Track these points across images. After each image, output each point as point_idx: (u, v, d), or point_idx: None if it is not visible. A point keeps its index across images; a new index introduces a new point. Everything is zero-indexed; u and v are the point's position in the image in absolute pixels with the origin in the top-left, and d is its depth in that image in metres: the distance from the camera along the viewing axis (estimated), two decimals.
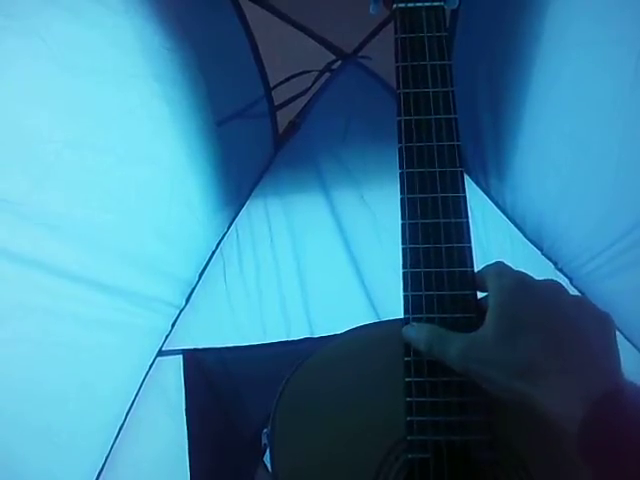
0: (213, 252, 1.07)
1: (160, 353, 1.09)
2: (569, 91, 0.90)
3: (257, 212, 1.05)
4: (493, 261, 0.52)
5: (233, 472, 1.08)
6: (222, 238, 1.07)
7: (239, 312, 1.09)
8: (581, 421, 0.37)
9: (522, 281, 0.46)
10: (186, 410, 1.06)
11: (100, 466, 1.05)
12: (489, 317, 0.45)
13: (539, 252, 1.05)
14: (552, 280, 0.47)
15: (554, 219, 1.01)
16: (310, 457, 0.52)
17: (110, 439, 1.05)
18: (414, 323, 0.50)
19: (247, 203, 1.06)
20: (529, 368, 0.41)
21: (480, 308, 0.50)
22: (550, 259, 1.04)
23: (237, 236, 1.06)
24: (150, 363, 1.08)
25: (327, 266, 1.05)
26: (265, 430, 1.07)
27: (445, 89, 0.58)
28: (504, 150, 1.01)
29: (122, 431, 1.06)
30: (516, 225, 1.06)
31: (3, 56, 0.67)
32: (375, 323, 0.58)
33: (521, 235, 1.06)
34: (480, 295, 0.51)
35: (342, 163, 1.01)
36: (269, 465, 1.28)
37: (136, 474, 1.08)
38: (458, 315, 0.51)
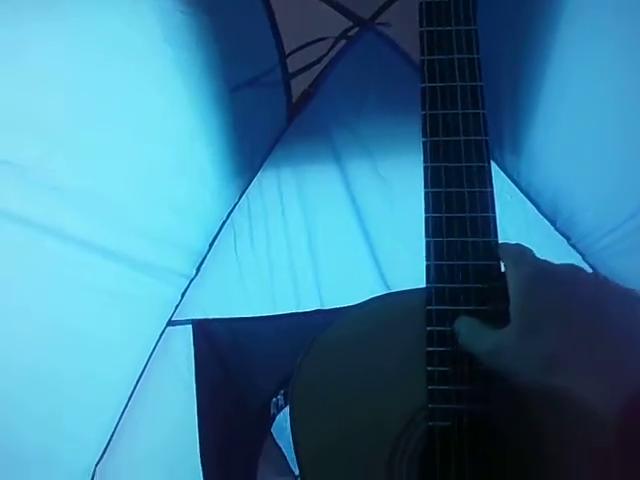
0: (224, 222, 1.06)
1: (170, 323, 1.09)
2: (588, 68, 0.89)
3: (269, 183, 1.04)
4: (513, 242, 0.52)
5: (242, 442, 1.09)
6: (233, 208, 1.06)
7: (249, 283, 1.08)
8: (619, 412, 0.36)
9: (541, 270, 0.46)
10: (196, 380, 1.07)
11: (108, 437, 1.06)
12: (512, 312, 0.44)
13: (552, 227, 1.04)
14: (571, 265, 0.47)
15: (569, 195, 1.00)
16: (331, 426, 0.52)
17: (119, 408, 1.06)
18: (461, 315, 0.49)
19: (259, 174, 1.04)
20: (556, 360, 0.41)
21: (503, 280, 0.49)
22: (563, 234, 1.03)
23: (248, 207, 1.05)
24: (160, 333, 1.08)
25: (339, 238, 1.04)
26: (274, 399, 1.08)
27: (471, 56, 0.56)
28: (521, 124, 0.99)
29: (131, 400, 1.07)
30: (530, 199, 1.05)
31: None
32: (395, 293, 0.58)
33: (535, 210, 1.05)
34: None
35: (356, 134, 1.00)
36: (276, 435, 1.29)
37: (145, 444, 1.09)
38: (481, 285, 0.51)
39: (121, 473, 1.07)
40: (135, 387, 1.06)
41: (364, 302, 0.59)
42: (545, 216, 1.05)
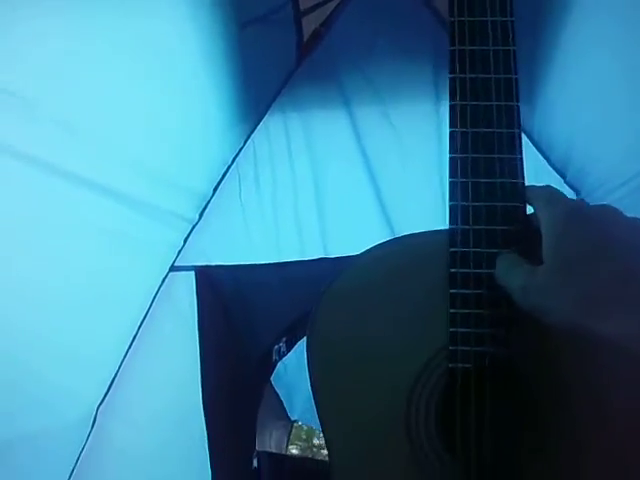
0: (229, 167, 1.04)
1: (172, 269, 1.08)
2: (607, 19, 0.86)
3: (276, 128, 1.01)
4: (542, 184, 0.50)
5: (243, 388, 1.10)
6: (238, 153, 1.03)
7: (253, 230, 1.07)
8: None
9: (576, 209, 0.44)
10: (198, 326, 1.06)
11: (109, 382, 1.06)
12: (545, 251, 0.43)
13: (562, 180, 1.03)
14: (606, 205, 0.45)
15: (581, 148, 0.98)
16: (350, 371, 0.51)
17: (121, 353, 1.06)
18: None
19: (265, 118, 1.02)
20: (590, 300, 0.40)
21: (529, 223, 0.48)
22: (573, 187, 1.02)
23: (254, 152, 1.03)
24: (162, 278, 1.07)
25: (346, 185, 1.03)
26: (276, 346, 1.08)
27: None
28: (538, 76, 0.97)
29: (133, 345, 1.06)
30: (541, 152, 1.03)
31: None
32: (410, 235, 0.56)
33: (545, 162, 1.03)
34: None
35: (368, 78, 0.96)
36: (275, 385, 1.30)
37: (146, 390, 1.09)
38: (507, 227, 0.50)
39: (123, 417, 1.07)
40: (137, 332, 1.06)
41: (377, 246, 0.57)
42: (555, 169, 1.03)
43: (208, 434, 1.05)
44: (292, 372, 1.48)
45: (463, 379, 0.48)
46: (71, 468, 1.01)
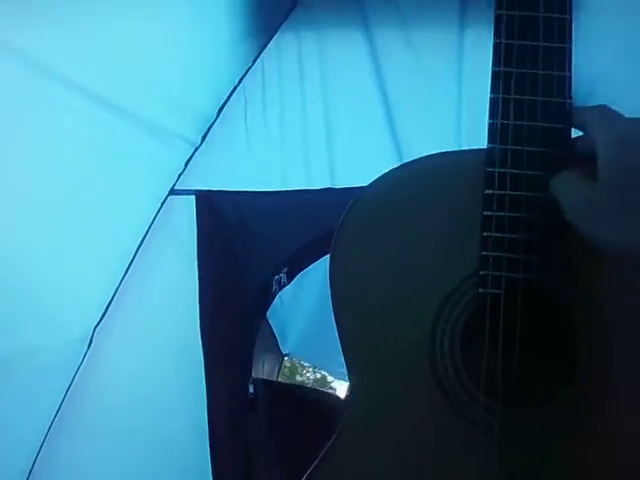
0: (235, 88, 0.98)
1: (172, 192, 1.04)
2: None
3: (287, 47, 0.95)
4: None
5: (241, 318, 1.08)
6: (245, 73, 0.98)
7: (258, 156, 1.02)
8: None
9: (634, 130, 0.42)
10: (197, 253, 1.04)
11: (107, 302, 1.04)
12: (601, 172, 0.41)
13: None
14: None
15: (605, 82, 0.94)
16: (373, 289, 0.49)
17: (119, 275, 1.03)
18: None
19: (277, 36, 0.95)
20: None
21: (573, 146, 0.45)
22: None
23: (263, 72, 0.97)
24: (162, 201, 1.04)
25: (359, 113, 0.98)
26: (277, 276, 1.06)
27: None
28: None
29: (130, 268, 1.04)
30: None
31: None
32: (444, 153, 0.53)
33: None
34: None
35: None
36: (269, 318, 1.28)
37: (143, 314, 1.07)
38: (548, 149, 0.47)
39: (119, 339, 1.06)
40: (135, 255, 1.03)
41: (404, 164, 0.54)
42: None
43: (205, 361, 1.04)
44: (288, 305, 1.47)
45: (492, 306, 0.46)
46: (67, 385, 1.00)
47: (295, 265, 1.05)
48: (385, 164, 0.99)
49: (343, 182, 1.01)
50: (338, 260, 0.50)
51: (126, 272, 1.03)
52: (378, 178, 0.52)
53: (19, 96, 0.74)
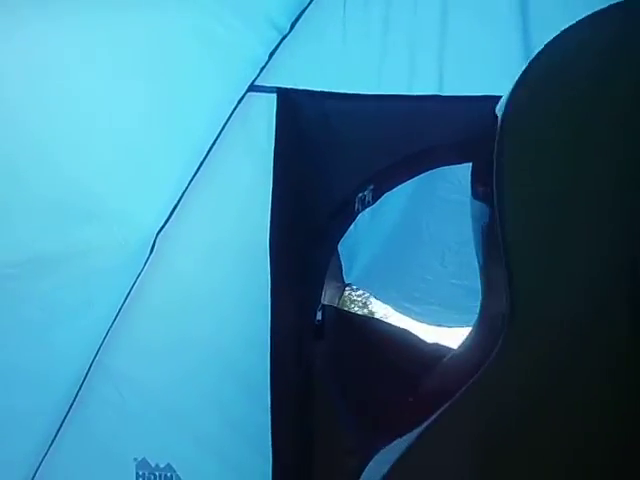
0: None
1: (252, 88, 0.92)
2: None
3: None
4: None
5: (316, 236, 0.97)
6: None
7: (354, 51, 0.88)
8: None
9: None
10: (274, 158, 0.92)
11: (171, 208, 0.94)
12: None
13: None
14: None
15: None
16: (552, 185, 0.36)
17: (187, 177, 0.93)
18: None
19: None
20: None
21: None
22: None
23: None
24: (240, 97, 0.92)
25: (483, 11, 0.82)
26: (361, 194, 0.94)
27: None
28: None
29: (200, 172, 0.94)
30: None
31: None
32: None
33: None
34: None
35: None
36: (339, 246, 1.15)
37: (210, 220, 0.98)
38: None
39: (183, 245, 0.97)
40: (205, 157, 0.93)
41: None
42: None
43: (272, 279, 0.94)
44: (361, 231, 1.36)
45: None
46: (126, 291, 0.93)
47: (384, 183, 0.92)
48: (512, 73, 0.84)
49: (452, 89, 0.86)
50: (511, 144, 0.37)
51: (195, 174, 0.93)
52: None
53: None
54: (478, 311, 0.50)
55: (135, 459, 1.04)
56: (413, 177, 0.92)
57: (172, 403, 1.00)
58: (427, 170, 0.90)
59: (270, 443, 0.95)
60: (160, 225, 0.95)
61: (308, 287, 0.99)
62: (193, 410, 1.01)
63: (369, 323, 1.00)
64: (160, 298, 0.96)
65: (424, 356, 0.91)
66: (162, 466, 1.05)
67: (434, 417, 0.42)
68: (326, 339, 0.97)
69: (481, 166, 0.49)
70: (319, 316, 0.99)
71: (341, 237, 0.98)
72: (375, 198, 0.93)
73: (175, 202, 0.95)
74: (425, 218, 1.31)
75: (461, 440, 0.42)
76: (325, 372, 0.92)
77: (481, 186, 0.47)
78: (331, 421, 0.91)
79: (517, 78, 0.38)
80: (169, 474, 1.05)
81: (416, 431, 0.43)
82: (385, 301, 1.59)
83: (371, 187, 0.92)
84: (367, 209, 0.97)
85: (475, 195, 0.49)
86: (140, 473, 1.05)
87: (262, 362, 0.95)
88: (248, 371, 0.98)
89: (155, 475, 1.06)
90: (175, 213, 0.95)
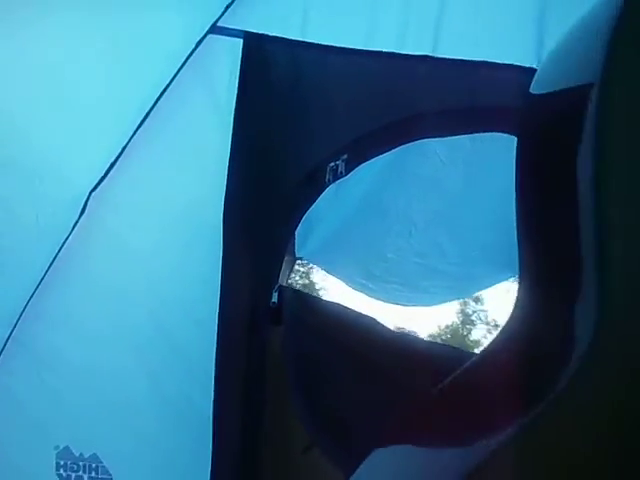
0: None
1: (213, 29, 0.78)
2: None
3: None
4: None
5: (275, 209, 0.85)
6: None
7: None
8: None
9: None
10: (235, 113, 0.79)
11: (109, 164, 0.80)
12: None
13: None
14: None
15: None
16: None
17: (133, 125, 0.79)
18: None
19: None
20: None
21: None
22: None
23: None
24: (198, 40, 0.77)
25: None
26: (333, 163, 0.83)
27: None
28: None
29: (148, 119, 0.79)
30: None
31: None
32: None
33: None
34: None
35: None
36: None
37: (155, 182, 0.84)
38: None
39: (119, 202, 0.83)
40: (156, 102, 0.78)
41: None
42: None
43: (224, 251, 0.82)
44: (321, 203, 1.24)
45: None
46: (51, 256, 0.79)
47: (360, 152, 0.80)
48: (521, 39, 0.74)
49: (446, 50, 0.75)
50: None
51: (139, 127, 0.79)
52: None
53: None
54: (516, 298, 0.42)
55: (56, 447, 0.92)
56: (393, 148, 0.81)
57: (102, 387, 0.89)
58: (410, 141, 0.80)
59: None
60: (94, 183, 0.81)
61: (265, 265, 0.87)
62: (127, 397, 0.90)
63: (332, 309, 0.89)
64: (90, 268, 0.83)
65: (392, 345, 0.82)
66: (87, 456, 0.93)
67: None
68: (284, 325, 0.86)
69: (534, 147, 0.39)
70: (275, 298, 0.88)
71: (306, 210, 0.87)
72: (348, 170, 0.82)
73: (114, 158, 0.80)
74: (393, 193, 1.21)
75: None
76: (281, 362, 0.82)
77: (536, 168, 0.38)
78: (286, 416, 0.81)
79: (610, 33, 0.28)
80: (94, 465, 0.94)
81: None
82: (339, 277, 1.50)
83: (344, 157, 0.81)
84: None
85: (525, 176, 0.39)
86: (62, 463, 0.94)
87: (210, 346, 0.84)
88: (193, 353, 0.88)
89: (79, 465, 0.95)
90: (114, 171, 0.81)
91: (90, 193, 0.81)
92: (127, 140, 0.80)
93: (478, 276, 1.43)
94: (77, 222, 0.81)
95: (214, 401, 0.85)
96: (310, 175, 0.82)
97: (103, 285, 0.83)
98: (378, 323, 0.86)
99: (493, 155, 1.01)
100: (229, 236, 0.82)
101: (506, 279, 1.39)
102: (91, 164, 0.80)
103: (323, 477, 0.85)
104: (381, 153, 0.82)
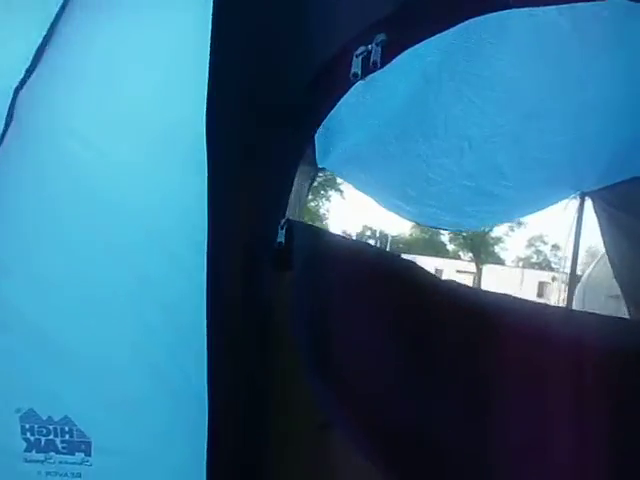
0: None
1: None
2: None
3: None
4: None
5: (278, 120, 0.60)
6: None
7: None
8: None
9: None
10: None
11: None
12: None
13: None
14: None
15: None
16: None
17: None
18: None
19: None
20: None
21: None
22: None
23: None
24: None
25: None
26: (363, 47, 0.56)
27: None
28: None
29: None
30: None
31: None
32: None
33: None
34: None
35: None
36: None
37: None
38: None
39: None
40: None
41: None
42: None
43: (209, 179, 0.59)
44: (347, 105, 0.97)
45: None
46: None
47: (404, 30, 0.53)
48: None
49: None
50: None
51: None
52: None
53: None
54: None
55: (18, 410, 0.78)
56: (452, 26, 0.54)
57: (72, 343, 0.74)
58: (482, 13, 0.52)
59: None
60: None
61: (265, 194, 0.63)
62: (100, 353, 0.74)
63: (359, 249, 0.66)
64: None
65: (439, 299, 0.59)
66: (57, 419, 0.80)
67: None
68: (294, 271, 0.63)
69: None
70: (281, 237, 0.65)
71: (323, 119, 0.61)
72: (386, 58, 0.55)
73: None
74: (443, 100, 0.93)
75: None
76: (290, 321, 0.60)
77: None
78: (295, 391, 0.61)
79: None
80: (67, 428, 0.80)
81: None
82: (367, 193, 1.28)
83: (381, 38, 0.54)
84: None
85: None
86: (27, 427, 0.80)
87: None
88: (176, 303, 0.68)
89: (48, 429, 0.81)
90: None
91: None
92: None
93: (533, 199, 1.22)
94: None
95: (208, 372, 0.66)
96: (328, 69, 0.56)
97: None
98: (421, 269, 0.62)
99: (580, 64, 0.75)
100: (214, 159, 0.59)
101: (562, 199, 1.22)
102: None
103: (338, 462, 0.67)
104: (435, 33, 0.54)
